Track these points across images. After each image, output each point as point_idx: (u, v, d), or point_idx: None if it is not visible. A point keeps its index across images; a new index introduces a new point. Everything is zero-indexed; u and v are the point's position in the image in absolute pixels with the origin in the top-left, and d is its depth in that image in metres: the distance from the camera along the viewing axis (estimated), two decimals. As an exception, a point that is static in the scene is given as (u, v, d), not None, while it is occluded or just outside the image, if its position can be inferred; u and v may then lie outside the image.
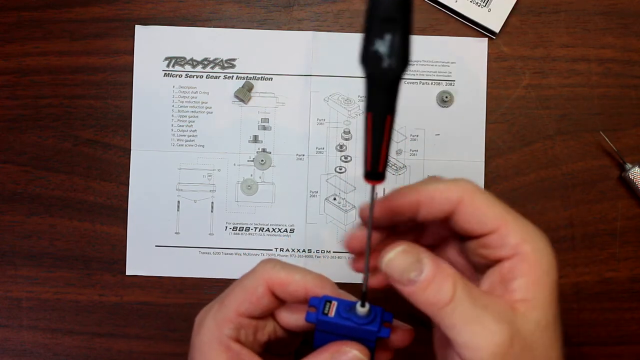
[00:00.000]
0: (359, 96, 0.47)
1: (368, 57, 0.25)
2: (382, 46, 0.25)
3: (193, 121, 0.47)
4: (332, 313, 0.31)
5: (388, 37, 0.24)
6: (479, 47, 0.47)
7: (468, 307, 0.28)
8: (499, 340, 0.28)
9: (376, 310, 0.31)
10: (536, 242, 0.30)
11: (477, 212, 0.30)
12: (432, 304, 0.29)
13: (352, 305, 0.31)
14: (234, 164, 0.47)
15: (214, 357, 0.32)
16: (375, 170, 0.28)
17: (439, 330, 0.32)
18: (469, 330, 0.28)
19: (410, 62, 0.25)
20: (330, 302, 0.32)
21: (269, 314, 0.34)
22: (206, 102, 0.47)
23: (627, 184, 0.46)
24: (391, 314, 0.32)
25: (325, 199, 0.47)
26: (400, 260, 0.29)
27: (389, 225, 0.32)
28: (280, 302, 0.33)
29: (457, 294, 0.29)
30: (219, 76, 0.47)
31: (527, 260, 0.30)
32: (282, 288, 0.32)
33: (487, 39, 0.47)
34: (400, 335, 0.32)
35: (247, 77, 0.47)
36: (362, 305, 0.31)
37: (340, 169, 0.47)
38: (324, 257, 0.47)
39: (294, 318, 0.33)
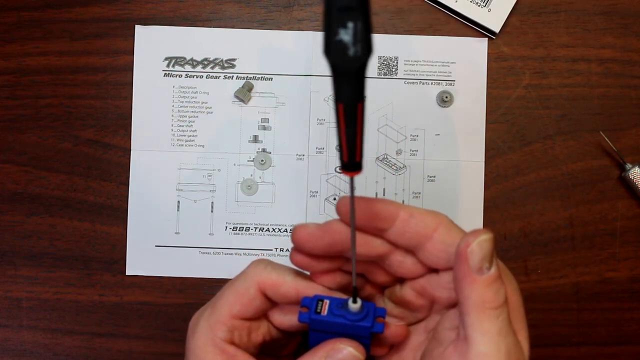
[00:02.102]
0: (359, 96, 0.47)
1: (332, 48, 0.25)
2: (345, 35, 0.25)
3: (193, 121, 0.47)
4: (324, 311, 0.31)
5: (351, 25, 0.24)
6: (479, 47, 0.47)
7: (507, 319, 0.29)
8: None
9: (368, 306, 0.31)
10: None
11: (451, 240, 0.30)
12: (486, 301, 0.29)
13: (344, 302, 0.31)
14: (234, 164, 0.47)
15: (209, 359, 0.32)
16: (352, 160, 0.27)
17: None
18: (497, 342, 0.28)
19: (373, 49, 0.25)
20: (323, 300, 0.31)
21: (262, 315, 0.33)
22: (206, 102, 0.47)
23: (627, 184, 0.46)
24: (384, 309, 0.32)
25: (325, 199, 0.47)
26: (487, 246, 0.29)
27: (363, 228, 0.32)
28: (273, 302, 0.33)
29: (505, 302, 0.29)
30: (219, 76, 0.47)
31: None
32: (274, 289, 0.32)
33: (487, 39, 0.47)
34: (394, 330, 0.32)
35: (247, 77, 0.47)
36: (354, 302, 0.31)
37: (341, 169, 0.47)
38: (324, 257, 0.47)
39: (287, 319, 0.33)
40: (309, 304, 0.31)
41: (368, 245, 0.31)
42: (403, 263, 0.32)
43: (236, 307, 0.32)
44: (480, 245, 0.29)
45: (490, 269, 0.29)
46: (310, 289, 0.32)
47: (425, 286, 0.32)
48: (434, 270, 0.32)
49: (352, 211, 0.30)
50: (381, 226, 0.31)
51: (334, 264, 0.32)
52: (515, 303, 0.31)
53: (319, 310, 0.31)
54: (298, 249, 0.32)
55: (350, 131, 0.27)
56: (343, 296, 0.32)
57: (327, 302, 0.31)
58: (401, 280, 0.34)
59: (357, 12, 0.24)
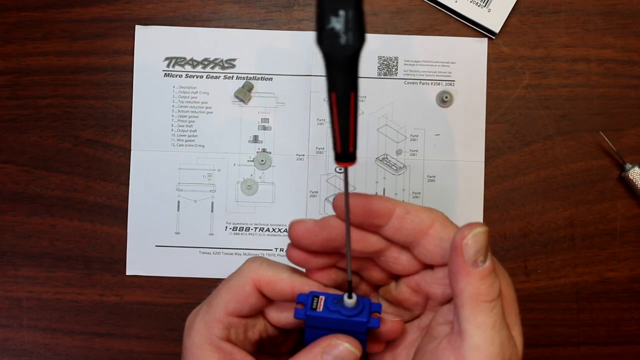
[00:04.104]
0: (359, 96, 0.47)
1: (324, 36, 0.25)
2: (337, 23, 0.25)
3: (193, 121, 0.47)
4: (320, 308, 0.31)
5: (342, 14, 0.24)
6: (479, 47, 0.47)
7: (501, 312, 0.29)
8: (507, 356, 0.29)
9: (364, 301, 0.31)
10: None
11: (446, 237, 0.31)
12: (481, 294, 0.29)
13: (339, 298, 0.31)
14: (234, 164, 0.47)
15: (206, 358, 0.32)
16: (345, 151, 0.27)
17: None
18: (490, 335, 0.28)
19: (366, 38, 0.25)
20: (318, 297, 0.32)
21: (258, 313, 0.34)
22: (206, 102, 0.47)
23: (627, 184, 0.46)
24: (379, 304, 0.32)
25: (325, 199, 0.47)
26: (482, 239, 0.29)
27: (359, 224, 0.32)
28: (269, 300, 0.33)
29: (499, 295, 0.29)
30: (219, 76, 0.47)
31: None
32: (269, 287, 0.32)
33: (487, 39, 0.47)
34: (390, 325, 0.32)
35: (247, 77, 0.47)
36: (350, 297, 0.31)
37: (340, 169, 0.47)
38: (324, 257, 0.47)
39: (283, 316, 0.33)
40: (305, 300, 0.31)
41: (364, 241, 0.32)
42: (398, 259, 0.32)
43: (232, 305, 0.32)
44: (475, 238, 0.29)
45: (485, 262, 0.29)
46: (306, 286, 0.32)
47: (420, 283, 0.32)
48: (428, 267, 0.32)
49: (346, 203, 0.29)
50: (377, 222, 0.31)
51: (330, 260, 0.32)
52: (509, 298, 0.31)
53: (314, 307, 0.31)
54: (295, 244, 0.32)
55: (343, 121, 0.27)
56: (338, 293, 0.32)
57: (322, 298, 0.31)
58: (396, 278, 0.34)
59: (349, 0, 0.24)
